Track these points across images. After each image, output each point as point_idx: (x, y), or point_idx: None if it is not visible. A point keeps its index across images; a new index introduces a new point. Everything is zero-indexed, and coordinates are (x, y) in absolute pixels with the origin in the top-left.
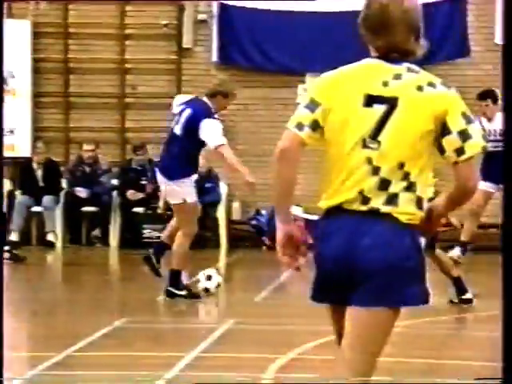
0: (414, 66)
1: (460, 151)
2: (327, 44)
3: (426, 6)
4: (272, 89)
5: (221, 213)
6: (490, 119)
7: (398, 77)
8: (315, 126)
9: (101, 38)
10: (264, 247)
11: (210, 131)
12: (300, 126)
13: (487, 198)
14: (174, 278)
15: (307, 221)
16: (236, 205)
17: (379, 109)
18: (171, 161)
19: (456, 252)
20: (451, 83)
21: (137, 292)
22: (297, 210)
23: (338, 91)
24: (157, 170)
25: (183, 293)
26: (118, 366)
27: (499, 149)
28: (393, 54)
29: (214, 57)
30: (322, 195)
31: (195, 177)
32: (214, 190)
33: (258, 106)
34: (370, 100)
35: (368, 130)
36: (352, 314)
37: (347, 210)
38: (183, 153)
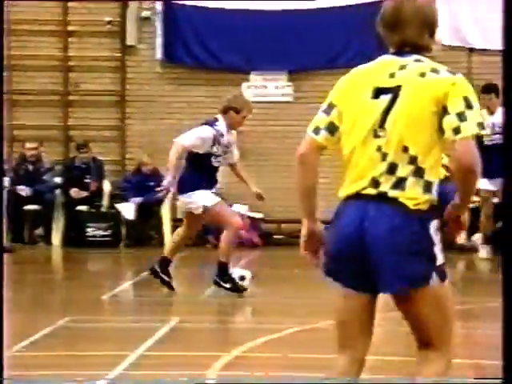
0: (421, 57)
1: (457, 130)
2: (272, 42)
3: (376, 4)
4: (217, 87)
5: (165, 211)
6: (492, 112)
7: (403, 67)
8: (332, 129)
9: (43, 35)
10: (209, 245)
11: (190, 131)
12: (317, 130)
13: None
14: (222, 270)
15: (252, 219)
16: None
17: (385, 99)
18: (182, 175)
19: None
20: None
21: (80, 291)
22: (242, 208)
23: (352, 90)
24: None
25: (228, 285)
26: (61, 365)
27: (496, 142)
28: (406, 49)
29: (159, 54)
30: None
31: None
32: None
33: (203, 104)
34: (378, 92)
35: (376, 120)
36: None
37: (361, 195)
38: (191, 166)
